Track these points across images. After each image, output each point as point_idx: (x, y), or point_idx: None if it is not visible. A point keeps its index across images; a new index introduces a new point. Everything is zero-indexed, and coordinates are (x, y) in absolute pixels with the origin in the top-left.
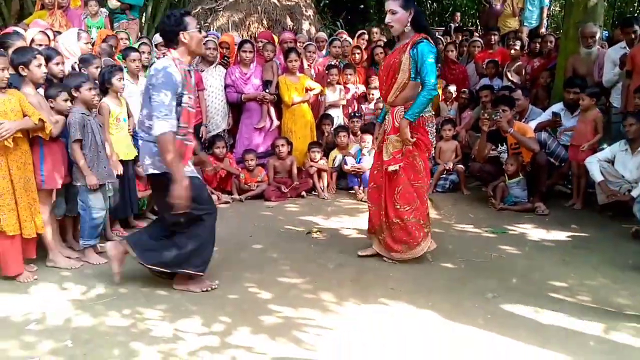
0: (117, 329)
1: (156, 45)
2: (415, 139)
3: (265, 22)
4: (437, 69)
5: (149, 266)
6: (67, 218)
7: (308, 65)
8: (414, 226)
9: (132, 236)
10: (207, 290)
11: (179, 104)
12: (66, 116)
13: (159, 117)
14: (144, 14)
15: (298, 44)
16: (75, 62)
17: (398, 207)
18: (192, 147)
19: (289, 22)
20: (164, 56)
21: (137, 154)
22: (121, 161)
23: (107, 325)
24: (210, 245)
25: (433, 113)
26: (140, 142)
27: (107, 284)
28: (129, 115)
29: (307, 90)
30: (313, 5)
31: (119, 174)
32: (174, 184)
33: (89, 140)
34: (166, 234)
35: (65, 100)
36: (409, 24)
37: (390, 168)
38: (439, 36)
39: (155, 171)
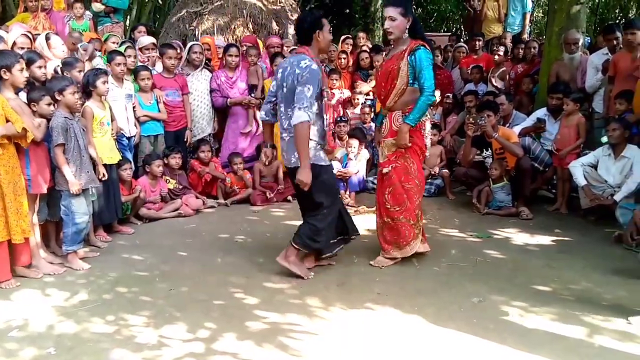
0: (101, 335)
1: (140, 49)
2: (410, 143)
3: (250, 26)
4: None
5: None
6: (50, 223)
7: None
8: (404, 226)
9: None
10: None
11: (321, 98)
12: (49, 120)
13: (300, 108)
14: (129, 17)
15: (285, 48)
16: (58, 66)
17: (388, 207)
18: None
19: (274, 26)
20: (148, 60)
21: (120, 158)
22: (105, 165)
23: (91, 332)
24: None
25: (429, 116)
26: (287, 137)
27: (90, 289)
28: (112, 119)
29: None
30: (299, 9)
31: (103, 178)
32: (302, 170)
33: (71, 145)
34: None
35: (49, 105)
36: (406, 31)
37: (385, 170)
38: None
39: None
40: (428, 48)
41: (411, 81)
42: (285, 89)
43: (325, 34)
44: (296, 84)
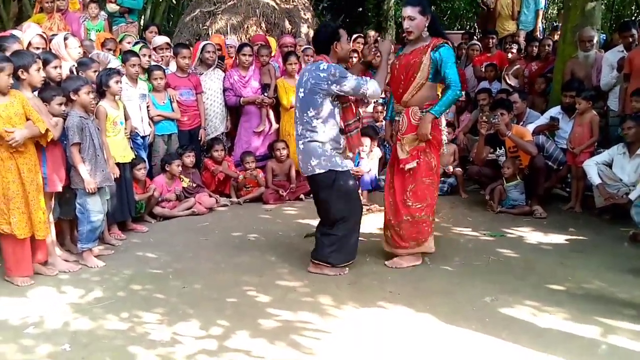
0: (116, 332)
1: (154, 48)
2: (431, 137)
3: (263, 25)
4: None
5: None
6: (64, 221)
7: None
8: (425, 222)
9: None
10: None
11: (345, 102)
12: (65, 119)
13: (366, 85)
14: (143, 17)
15: (298, 47)
16: (74, 65)
17: (410, 204)
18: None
19: (287, 25)
20: (162, 59)
21: (133, 156)
22: (118, 164)
23: (105, 329)
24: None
25: (447, 111)
26: (301, 145)
27: (105, 287)
28: (127, 118)
29: None
30: (311, 8)
31: (116, 177)
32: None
33: (87, 144)
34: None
35: (60, 104)
36: (425, 29)
37: (408, 166)
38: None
39: (322, 170)
40: (450, 46)
41: (431, 77)
42: (301, 94)
43: (343, 44)
44: (332, 86)
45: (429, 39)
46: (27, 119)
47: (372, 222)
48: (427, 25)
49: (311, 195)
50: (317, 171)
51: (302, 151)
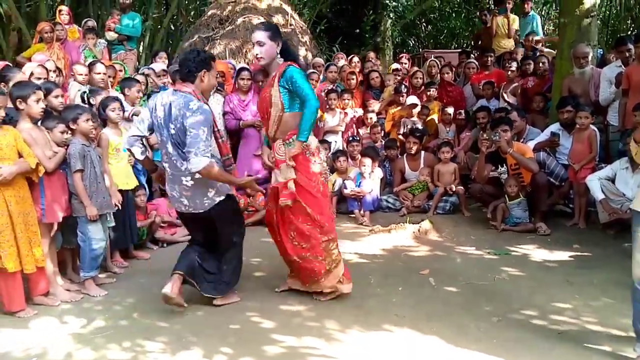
0: None
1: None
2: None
3: None
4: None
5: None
6: (66, 250)
7: None
8: (313, 263)
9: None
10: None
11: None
12: (67, 147)
13: (197, 154)
14: (142, 44)
15: None
16: (85, 92)
17: (296, 243)
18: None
19: None
20: (163, 85)
21: (137, 183)
22: (120, 191)
23: (108, 359)
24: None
25: (319, 146)
26: (190, 182)
27: (107, 316)
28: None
29: None
30: (309, 31)
31: (118, 204)
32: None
33: (88, 171)
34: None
35: (62, 132)
36: (278, 56)
37: (281, 201)
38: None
39: (222, 197)
40: (297, 65)
41: (287, 106)
42: (172, 131)
43: (211, 76)
44: (187, 126)
45: (278, 66)
46: (21, 156)
47: (375, 243)
48: (278, 52)
49: None
50: (218, 199)
51: (193, 186)
